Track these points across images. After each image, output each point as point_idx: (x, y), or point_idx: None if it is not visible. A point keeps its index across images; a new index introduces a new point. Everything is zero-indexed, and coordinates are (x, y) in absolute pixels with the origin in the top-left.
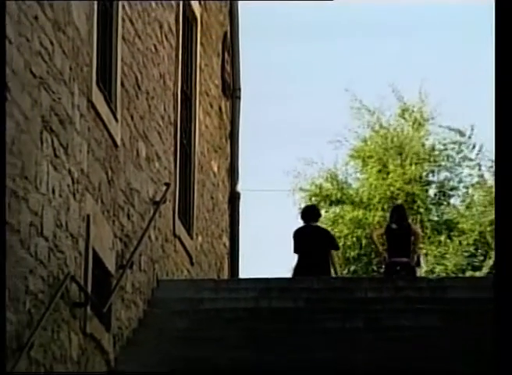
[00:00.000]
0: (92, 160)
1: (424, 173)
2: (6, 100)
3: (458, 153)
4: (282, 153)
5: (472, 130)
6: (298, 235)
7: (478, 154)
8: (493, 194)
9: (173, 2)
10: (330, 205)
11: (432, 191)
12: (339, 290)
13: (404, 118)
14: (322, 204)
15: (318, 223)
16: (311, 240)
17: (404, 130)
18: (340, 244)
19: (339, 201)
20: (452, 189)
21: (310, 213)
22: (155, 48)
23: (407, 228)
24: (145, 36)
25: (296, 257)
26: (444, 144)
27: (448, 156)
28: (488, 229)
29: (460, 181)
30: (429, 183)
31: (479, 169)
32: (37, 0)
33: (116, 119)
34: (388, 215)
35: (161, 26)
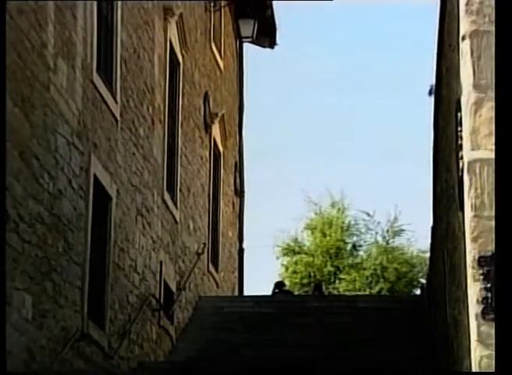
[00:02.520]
0: (163, 230)
1: (345, 237)
2: (116, 197)
3: (364, 226)
4: (267, 225)
5: (374, 212)
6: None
7: (376, 226)
8: (382, 250)
9: (207, 145)
10: (293, 254)
11: (348, 247)
12: (297, 302)
13: (333, 207)
14: (289, 254)
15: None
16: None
17: (333, 214)
18: (298, 277)
19: (299, 252)
20: (360, 246)
21: (281, 284)
22: (198, 170)
23: (323, 294)
24: (193, 163)
25: None
26: (356, 220)
27: (358, 228)
28: (377, 268)
29: (364, 242)
30: (348, 242)
31: (376, 236)
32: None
33: (177, 208)
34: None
35: (201, 158)
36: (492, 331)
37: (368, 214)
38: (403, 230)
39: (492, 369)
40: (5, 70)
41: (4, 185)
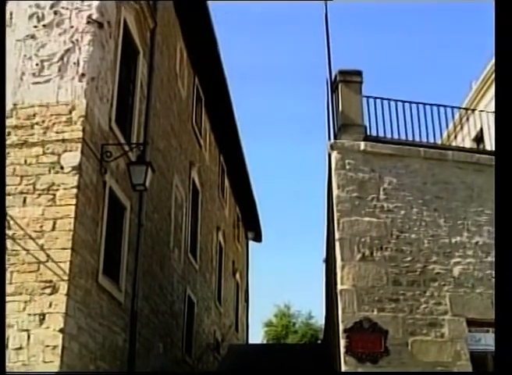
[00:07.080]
0: (215, 316)
1: (290, 319)
2: (196, 303)
3: (297, 315)
4: (258, 314)
5: (301, 309)
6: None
7: (302, 315)
8: (305, 325)
9: (233, 281)
10: (268, 326)
11: (292, 324)
12: (270, 346)
13: (285, 307)
14: (267, 326)
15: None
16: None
17: (285, 309)
18: (271, 336)
19: (271, 326)
20: (295, 323)
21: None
22: (229, 291)
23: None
24: (228, 289)
25: None
26: (294, 313)
27: (295, 316)
28: (304, 332)
29: (298, 321)
30: (291, 321)
31: (302, 318)
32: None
33: (221, 307)
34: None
35: (231, 287)
36: (351, 360)
37: (299, 311)
38: (313, 316)
39: None
40: (5, 79)
41: (4, 190)
